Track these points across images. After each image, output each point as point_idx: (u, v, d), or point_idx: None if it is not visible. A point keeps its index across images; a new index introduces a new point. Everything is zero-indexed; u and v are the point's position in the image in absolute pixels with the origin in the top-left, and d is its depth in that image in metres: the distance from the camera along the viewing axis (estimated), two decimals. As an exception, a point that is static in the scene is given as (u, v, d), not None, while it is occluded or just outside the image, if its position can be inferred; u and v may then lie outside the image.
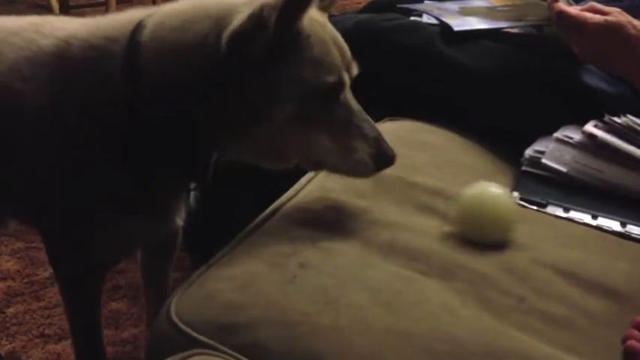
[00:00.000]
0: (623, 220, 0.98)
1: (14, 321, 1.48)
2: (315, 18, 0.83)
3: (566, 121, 1.13)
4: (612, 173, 1.04)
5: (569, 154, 1.07)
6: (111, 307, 1.52)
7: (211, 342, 0.70)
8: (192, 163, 0.89)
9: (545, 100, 1.19)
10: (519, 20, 1.31)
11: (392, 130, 1.19)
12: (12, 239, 1.74)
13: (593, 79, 1.21)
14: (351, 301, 0.74)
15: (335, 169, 0.87)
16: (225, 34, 0.78)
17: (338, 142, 0.83)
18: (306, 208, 0.92)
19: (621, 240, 0.96)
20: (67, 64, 0.87)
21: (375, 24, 1.30)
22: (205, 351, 0.69)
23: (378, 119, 1.25)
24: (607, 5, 1.11)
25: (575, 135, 1.08)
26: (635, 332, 0.74)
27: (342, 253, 0.82)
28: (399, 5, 1.42)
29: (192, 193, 1.01)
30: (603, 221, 0.99)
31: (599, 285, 0.83)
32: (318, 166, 0.89)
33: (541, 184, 1.06)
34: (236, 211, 1.10)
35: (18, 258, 1.68)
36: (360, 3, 2.93)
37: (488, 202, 0.88)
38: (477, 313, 0.75)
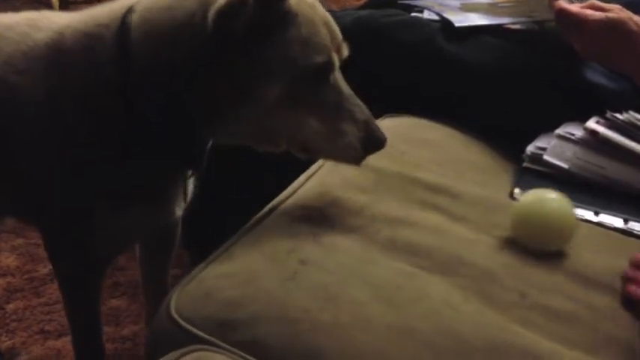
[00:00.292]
0: (625, 216, 0.98)
1: (14, 317, 1.48)
2: None
3: (568, 118, 1.13)
4: (614, 169, 1.03)
5: (570, 150, 1.07)
6: (111, 304, 1.52)
7: (211, 338, 0.70)
8: (188, 148, 0.88)
9: (546, 97, 1.19)
10: (521, 16, 1.30)
11: (392, 127, 1.19)
12: (12, 235, 1.73)
13: (594, 75, 1.20)
14: (352, 297, 0.74)
15: (323, 152, 0.86)
16: (211, 12, 0.78)
17: (327, 125, 0.83)
18: (307, 204, 0.92)
19: (623, 236, 0.95)
20: (61, 56, 0.87)
21: (375, 20, 1.30)
22: (205, 347, 0.68)
23: (378, 116, 1.25)
24: (608, 2, 1.11)
25: (576, 131, 1.08)
26: (636, 273, 0.73)
27: (343, 249, 0.82)
28: (400, 1, 1.41)
29: (191, 188, 1.00)
30: (605, 218, 0.98)
31: (601, 281, 0.83)
32: (305, 150, 0.86)
33: (542, 181, 1.05)
34: (236, 207, 1.09)
35: (18, 254, 1.68)
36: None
37: (551, 209, 0.87)
38: (479, 308, 0.75)
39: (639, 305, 0.74)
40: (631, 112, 1.06)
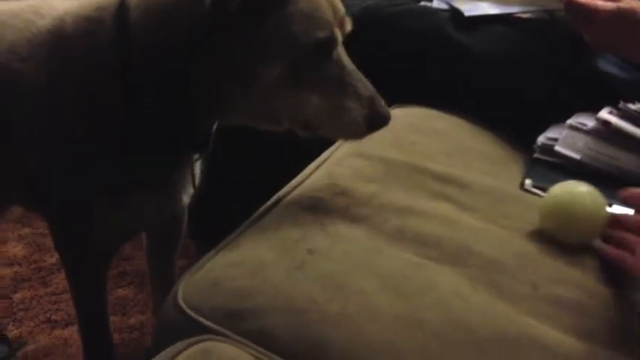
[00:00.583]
0: (637, 207, 0.97)
1: (21, 306, 1.48)
2: None
3: (579, 108, 1.12)
4: (626, 160, 1.02)
5: (582, 141, 1.06)
6: (118, 294, 1.52)
7: (219, 328, 0.69)
8: (189, 131, 0.87)
9: (557, 86, 1.18)
10: (531, 5, 1.29)
11: (401, 117, 1.18)
12: (19, 225, 1.74)
13: (606, 64, 1.19)
14: (360, 287, 0.73)
15: (325, 129, 0.85)
16: None
17: (329, 102, 0.81)
18: (315, 194, 0.91)
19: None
20: (63, 41, 0.86)
21: (382, 9, 1.29)
22: (213, 337, 0.68)
23: (387, 105, 1.24)
24: None
25: (588, 122, 1.07)
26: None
27: (351, 239, 0.81)
28: (408, -10, 1.40)
29: (198, 173, 0.99)
30: (617, 209, 0.97)
31: (612, 273, 0.82)
32: (307, 128, 0.85)
33: (553, 172, 1.05)
34: (242, 193, 1.09)
35: (25, 244, 1.68)
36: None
37: (583, 202, 0.85)
38: (489, 299, 0.74)
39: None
40: (644, 102, 1.05)
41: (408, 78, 1.26)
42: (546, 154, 1.08)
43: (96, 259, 1.00)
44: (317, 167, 0.98)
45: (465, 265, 0.79)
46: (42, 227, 1.65)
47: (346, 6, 1.32)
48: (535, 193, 1.00)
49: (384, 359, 0.66)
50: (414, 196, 0.92)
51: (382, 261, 0.78)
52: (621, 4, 1.05)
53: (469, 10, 1.26)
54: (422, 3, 1.38)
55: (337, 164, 0.98)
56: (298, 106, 0.82)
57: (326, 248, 0.78)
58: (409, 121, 1.16)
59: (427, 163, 0.99)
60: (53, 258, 1.59)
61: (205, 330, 0.69)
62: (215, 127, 0.93)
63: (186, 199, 0.99)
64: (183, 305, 0.72)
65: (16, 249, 1.66)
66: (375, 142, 0.93)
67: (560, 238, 0.85)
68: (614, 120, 1.04)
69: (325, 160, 1.00)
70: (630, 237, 0.82)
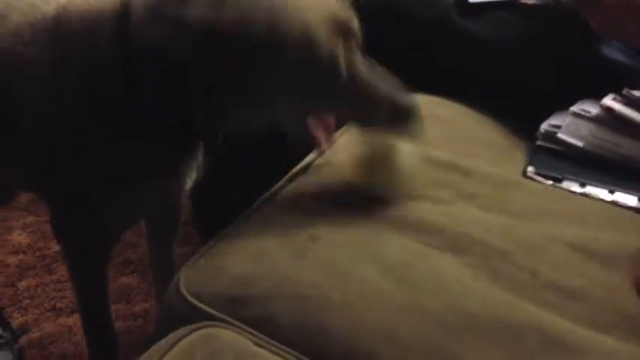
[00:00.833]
0: (640, 194, 0.97)
1: (26, 294, 1.49)
2: None
3: (583, 94, 1.11)
4: (630, 147, 1.02)
5: (585, 128, 1.05)
6: (121, 282, 1.52)
7: (221, 315, 0.70)
8: (190, 129, 0.87)
9: (561, 73, 1.17)
10: (536, -9, 1.28)
11: (405, 104, 1.18)
12: (24, 213, 1.74)
13: (610, 51, 1.18)
14: (362, 274, 0.73)
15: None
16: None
17: (350, 109, 0.81)
18: (317, 181, 0.91)
19: (638, 215, 0.94)
20: (65, 29, 0.86)
21: (384, -3, 1.28)
22: (215, 323, 0.68)
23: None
24: None
25: (592, 109, 1.06)
26: None
27: (353, 226, 0.81)
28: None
29: (200, 160, 0.99)
30: (620, 196, 0.97)
31: (614, 259, 0.82)
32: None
33: (556, 159, 1.04)
34: (244, 180, 1.09)
35: (30, 232, 1.69)
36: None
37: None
38: (490, 287, 0.74)
39: None
40: (648, 89, 1.04)
41: (413, 65, 1.25)
42: (549, 141, 1.07)
43: (97, 247, 1.00)
44: (320, 155, 0.98)
45: (467, 253, 0.79)
46: (46, 215, 1.65)
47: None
48: (538, 181, 1.00)
49: (386, 346, 0.66)
50: (417, 183, 0.91)
51: (384, 249, 0.78)
52: (627, -9, 1.05)
53: (473, -4, 1.25)
54: (426, -11, 1.37)
55: (339, 151, 0.97)
56: (319, 117, 0.83)
57: (328, 236, 0.79)
58: (412, 108, 1.16)
59: (430, 151, 0.99)
60: (58, 246, 1.60)
61: (207, 316, 0.70)
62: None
63: (187, 187, 0.99)
64: (185, 292, 0.72)
65: (20, 237, 1.67)
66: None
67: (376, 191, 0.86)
68: (618, 107, 1.04)
69: (328, 148, 0.99)
70: None
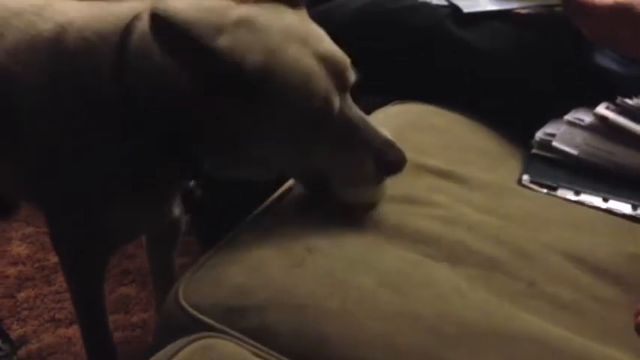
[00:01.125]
0: (635, 202, 0.98)
1: (25, 305, 1.49)
2: (293, 35, 0.77)
3: (577, 103, 1.12)
4: (624, 155, 1.03)
5: (580, 136, 1.06)
6: (120, 292, 1.53)
7: (219, 325, 0.70)
8: (185, 158, 0.87)
9: (555, 82, 1.18)
10: (529, 1, 1.29)
11: (400, 113, 1.19)
12: (22, 224, 1.75)
13: (604, 60, 1.19)
14: (360, 284, 0.74)
15: (337, 185, 0.82)
16: None
17: (340, 158, 0.79)
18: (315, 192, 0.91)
19: (632, 223, 0.95)
20: (63, 52, 0.85)
21: (382, 5, 1.29)
22: (213, 334, 0.69)
23: (386, 102, 1.24)
24: None
25: (586, 117, 1.07)
26: None
27: (350, 236, 0.82)
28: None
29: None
30: (614, 204, 0.98)
31: (609, 270, 0.83)
32: (317, 184, 0.83)
33: (551, 167, 1.05)
34: (244, 195, 1.09)
35: (29, 243, 1.69)
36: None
37: None
38: (487, 296, 0.75)
39: None
40: (641, 98, 1.05)
41: (408, 74, 1.27)
42: (544, 149, 1.08)
43: (94, 258, 1.01)
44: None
45: (463, 262, 0.80)
46: (45, 226, 1.65)
47: (344, 3, 1.34)
48: (533, 189, 1.00)
49: (383, 354, 0.66)
50: (412, 192, 0.92)
51: (381, 258, 0.79)
52: (619, -1, 1.06)
53: (468, 6, 1.26)
54: (421, -1, 1.38)
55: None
56: (304, 166, 0.81)
57: (325, 246, 0.79)
58: (408, 117, 1.17)
59: (425, 159, 1.00)
60: (57, 257, 1.60)
61: (206, 327, 0.70)
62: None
63: (177, 209, 0.99)
64: (184, 303, 0.73)
65: (19, 248, 1.67)
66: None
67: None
68: (612, 115, 1.05)
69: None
70: None
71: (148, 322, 1.44)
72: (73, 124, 0.86)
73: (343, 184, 0.82)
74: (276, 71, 0.75)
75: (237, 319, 0.70)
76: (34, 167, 0.92)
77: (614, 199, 0.98)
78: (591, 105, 1.09)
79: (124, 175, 0.88)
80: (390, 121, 1.15)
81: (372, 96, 1.25)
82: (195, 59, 0.72)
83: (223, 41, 0.73)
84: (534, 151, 1.10)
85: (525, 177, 1.02)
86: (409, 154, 1.00)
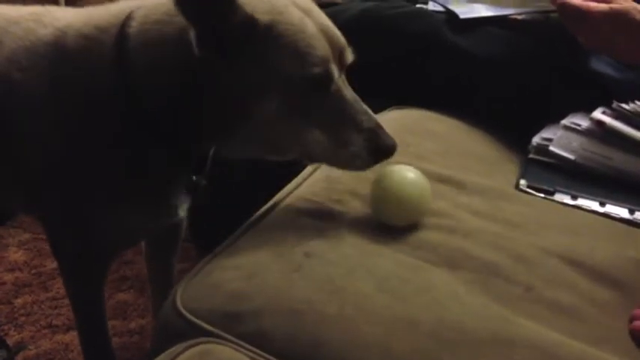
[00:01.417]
0: (632, 207, 0.98)
1: (22, 312, 1.49)
2: (298, 4, 0.79)
3: (574, 108, 1.13)
4: (620, 160, 1.03)
5: (577, 141, 1.06)
6: (118, 298, 1.53)
7: (217, 330, 0.70)
8: (186, 154, 0.88)
9: (551, 87, 1.18)
10: (525, 7, 1.30)
11: (398, 119, 1.19)
12: (19, 231, 1.75)
13: (600, 65, 1.20)
14: (357, 289, 0.74)
15: (329, 162, 0.84)
16: (192, 32, 0.76)
17: (331, 135, 0.80)
18: (312, 197, 0.91)
19: (629, 227, 0.95)
20: (63, 55, 0.86)
21: (380, 12, 1.30)
22: (211, 339, 0.69)
23: (384, 107, 1.25)
24: None
25: (582, 122, 1.08)
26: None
27: (348, 241, 0.82)
28: (405, -7, 1.41)
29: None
30: (611, 208, 0.98)
31: (606, 274, 0.83)
32: (312, 160, 0.85)
33: (548, 172, 1.06)
34: (241, 200, 1.09)
35: (25, 249, 1.69)
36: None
37: (409, 189, 0.85)
38: (484, 301, 0.75)
39: None
40: (637, 102, 1.06)
41: (406, 80, 1.27)
42: (541, 154, 1.09)
43: (94, 264, 1.01)
44: (314, 170, 0.99)
45: (461, 267, 0.80)
46: (42, 232, 1.64)
47: (345, 9, 1.34)
48: (530, 193, 1.00)
49: (380, 359, 0.66)
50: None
51: (378, 263, 0.79)
52: (614, 5, 1.06)
53: (464, 12, 1.27)
54: (418, 5, 1.39)
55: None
56: (298, 139, 0.81)
57: (322, 251, 0.79)
58: (405, 122, 1.17)
59: (423, 165, 1.00)
60: (54, 263, 1.59)
61: (203, 332, 0.70)
62: (212, 151, 0.93)
63: (182, 212, 0.99)
64: (182, 308, 0.73)
65: (16, 254, 1.67)
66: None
67: (388, 221, 0.85)
68: (608, 120, 1.05)
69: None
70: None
71: (145, 328, 1.44)
72: (74, 128, 0.86)
73: (333, 163, 0.84)
74: (281, 31, 0.76)
75: (235, 324, 0.70)
76: (34, 173, 0.92)
77: (612, 204, 0.98)
78: (588, 110, 1.09)
79: (123, 177, 0.88)
80: (388, 126, 1.15)
81: (370, 101, 1.25)
82: (215, 10, 0.73)
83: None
84: (531, 155, 1.10)
85: (523, 182, 1.02)
86: (407, 160, 1.01)
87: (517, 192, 1.01)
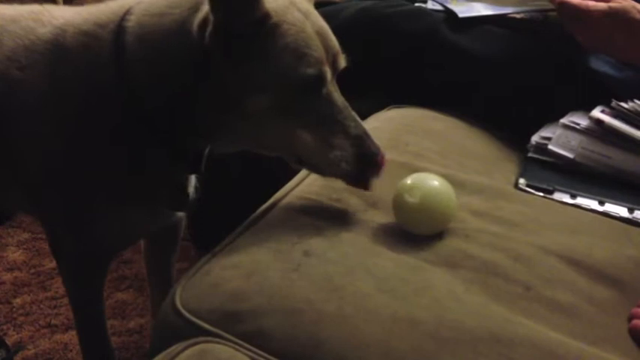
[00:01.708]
0: (631, 205, 0.98)
1: (21, 311, 1.49)
2: (297, 6, 0.80)
3: (573, 107, 1.13)
4: (619, 159, 1.03)
5: (575, 140, 1.06)
6: (117, 298, 1.52)
7: (216, 330, 0.70)
8: (183, 150, 0.88)
9: (550, 85, 1.18)
10: (524, 6, 1.30)
11: (397, 118, 1.19)
12: (18, 230, 1.75)
13: (599, 63, 1.20)
14: (356, 288, 0.74)
15: (313, 166, 0.84)
16: (194, 24, 0.77)
17: (318, 139, 0.80)
18: (311, 196, 0.91)
19: (628, 226, 0.95)
20: (62, 53, 0.86)
21: (378, 11, 1.30)
22: (209, 339, 0.69)
23: (383, 106, 1.25)
24: None
25: (581, 121, 1.08)
26: (639, 311, 0.74)
27: (347, 240, 0.82)
28: (403, -9, 1.41)
29: (194, 184, 0.99)
30: (610, 207, 0.98)
31: (605, 273, 0.83)
32: (300, 162, 0.85)
33: (547, 171, 1.06)
34: (240, 199, 1.10)
35: (24, 249, 1.69)
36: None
37: (434, 199, 0.84)
38: (483, 300, 0.75)
39: None
40: (636, 101, 1.06)
41: (405, 79, 1.27)
42: (540, 153, 1.09)
43: (93, 264, 1.01)
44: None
45: (460, 267, 0.80)
46: (41, 232, 1.65)
47: (344, 7, 1.34)
48: (529, 192, 1.00)
49: (379, 358, 0.66)
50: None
51: (378, 262, 0.79)
52: (612, 4, 1.06)
53: (463, 11, 1.27)
54: (417, 4, 1.39)
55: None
56: (287, 141, 0.81)
57: (322, 250, 0.79)
58: (404, 121, 1.17)
59: (422, 163, 1.00)
60: (52, 263, 1.60)
61: (202, 332, 0.70)
62: (207, 149, 0.93)
63: (179, 213, 0.99)
64: (181, 308, 0.73)
65: (15, 254, 1.67)
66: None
67: (415, 230, 0.84)
68: (607, 119, 1.05)
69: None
70: None
71: (144, 328, 1.44)
72: (74, 126, 0.86)
73: (319, 168, 0.84)
74: (284, 30, 0.77)
75: (234, 323, 0.70)
76: (33, 172, 0.92)
77: (611, 202, 0.98)
78: (587, 108, 1.09)
79: (123, 174, 0.88)
80: (387, 125, 1.16)
81: (369, 100, 1.25)
82: (241, 2, 0.75)
83: None
84: (530, 154, 1.10)
85: (522, 181, 1.02)
86: (406, 158, 1.01)
87: (516, 191, 1.01)
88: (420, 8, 1.34)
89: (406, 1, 1.38)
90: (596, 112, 1.07)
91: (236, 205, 1.03)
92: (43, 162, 0.90)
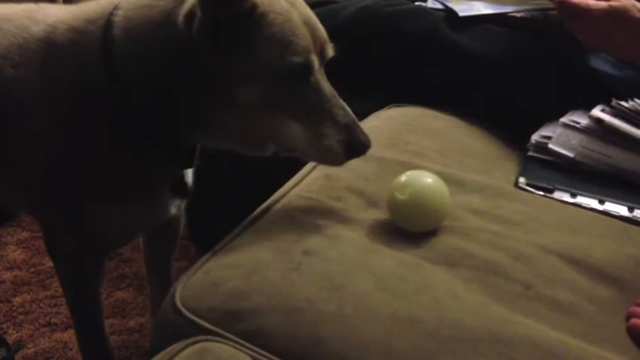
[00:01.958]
0: (631, 204, 0.98)
1: (21, 310, 1.49)
2: None
3: (573, 106, 1.13)
4: (620, 158, 1.03)
5: (576, 139, 1.06)
6: (117, 296, 1.52)
7: (216, 329, 0.70)
8: (175, 145, 0.88)
9: (550, 84, 1.18)
10: (524, 5, 1.30)
11: (397, 116, 1.19)
12: (18, 229, 1.75)
13: (599, 62, 1.20)
14: (357, 287, 0.74)
15: (304, 154, 0.85)
16: (180, 14, 0.77)
17: (307, 128, 0.80)
18: (311, 195, 0.91)
19: (628, 225, 0.95)
20: (54, 50, 0.86)
21: (379, 9, 1.30)
22: (209, 338, 0.69)
23: (383, 105, 1.25)
24: None
25: (582, 120, 1.08)
26: (638, 309, 0.74)
27: (347, 240, 0.82)
28: (403, -10, 1.41)
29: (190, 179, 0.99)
30: (610, 206, 0.98)
31: (605, 272, 0.83)
32: (290, 151, 0.85)
33: (547, 170, 1.06)
34: (239, 199, 1.10)
35: (24, 248, 1.69)
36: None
37: (428, 196, 0.85)
38: (483, 299, 0.75)
39: None
40: (636, 100, 1.06)
41: (405, 78, 1.27)
42: (540, 152, 1.09)
43: (89, 263, 1.01)
44: (313, 168, 0.99)
45: (460, 266, 0.80)
46: (41, 231, 1.65)
47: (344, 6, 1.34)
48: (529, 191, 1.00)
49: (379, 357, 0.66)
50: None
51: (378, 261, 0.79)
52: (613, 3, 1.06)
53: (463, 10, 1.27)
54: (417, 3, 1.39)
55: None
56: (275, 131, 0.82)
57: (322, 249, 0.79)
58: (404, 120, 1.17)
59: (421, 162, 1.00)
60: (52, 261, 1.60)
61: (202, 330, 0.70)
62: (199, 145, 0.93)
63: (173, 209, 0.99)
64: (181, 306, 0.73)
65: (15, 253, 1.67)
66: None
67: (408, 227, 0.85)
68: (607, 118, 1.05)
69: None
70: None
71: (144, 327, 1.44)
72: (67, 123, 0.86)
73: (308, 155, 0.85)
74: (270, 20, 0.77)
75: (234, 322, 0.70)
76: (29, 171, 0.92)
77: (611, 201, 0.98)
78: (587, 107, 1.09)
79: (117, 171, 0.88)
80: (387, 124, 1.16)
81: (369, 99, 1.25)
82: None
83: None
84: (530, 153, 1.10)
85: (522, 179, 1.02)
86: (406, 157, 1.01)
87: (516, 190, 1.01)
88: (420, 7, 1.34)
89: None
90: (597, 111, 1.07)
91: (236, 203, 1.04)
92: (38, 160, 0.90)
